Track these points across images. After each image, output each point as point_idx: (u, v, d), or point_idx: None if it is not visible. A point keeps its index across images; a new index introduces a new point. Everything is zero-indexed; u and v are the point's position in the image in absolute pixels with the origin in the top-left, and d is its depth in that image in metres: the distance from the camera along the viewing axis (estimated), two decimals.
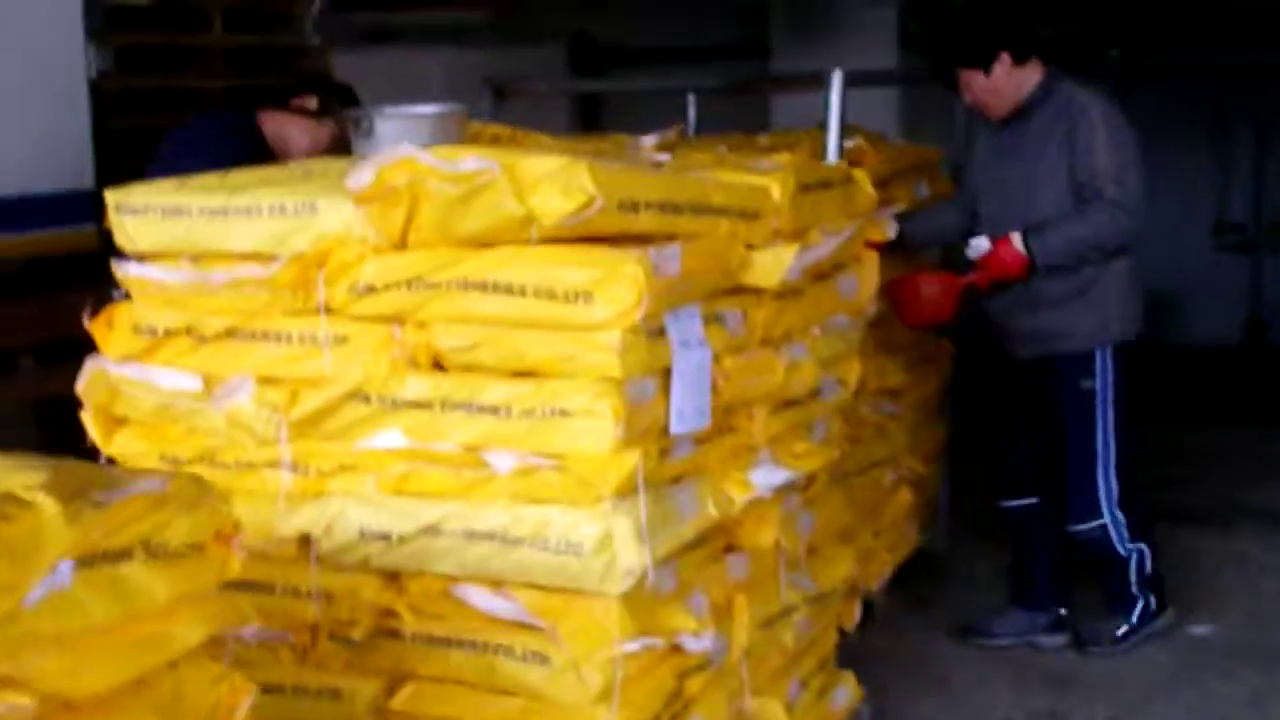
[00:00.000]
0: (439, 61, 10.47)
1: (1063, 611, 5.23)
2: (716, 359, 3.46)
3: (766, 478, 3.65)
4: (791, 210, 3.70)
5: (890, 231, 4.42)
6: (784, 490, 3.89)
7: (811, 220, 3.86)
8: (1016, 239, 4.78)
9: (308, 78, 5.64)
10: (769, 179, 3.68)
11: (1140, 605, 5.16)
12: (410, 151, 3.18)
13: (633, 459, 3.18)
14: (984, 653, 5.22)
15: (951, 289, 4.93)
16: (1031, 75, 4.87)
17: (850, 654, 4.97)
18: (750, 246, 3.56)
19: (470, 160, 3.11)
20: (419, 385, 3.26)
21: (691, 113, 6.27)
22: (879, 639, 5.23)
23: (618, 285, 3.09)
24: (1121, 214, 4.69)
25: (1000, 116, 4.94)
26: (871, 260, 4.32)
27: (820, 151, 4.92)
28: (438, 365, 3.30)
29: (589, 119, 12.55)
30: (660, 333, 3.25)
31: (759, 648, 3.85)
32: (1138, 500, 4.99)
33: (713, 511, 3.49)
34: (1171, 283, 12.17)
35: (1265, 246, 12.12)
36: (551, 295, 3.13)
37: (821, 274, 4.02)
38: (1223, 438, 8.29)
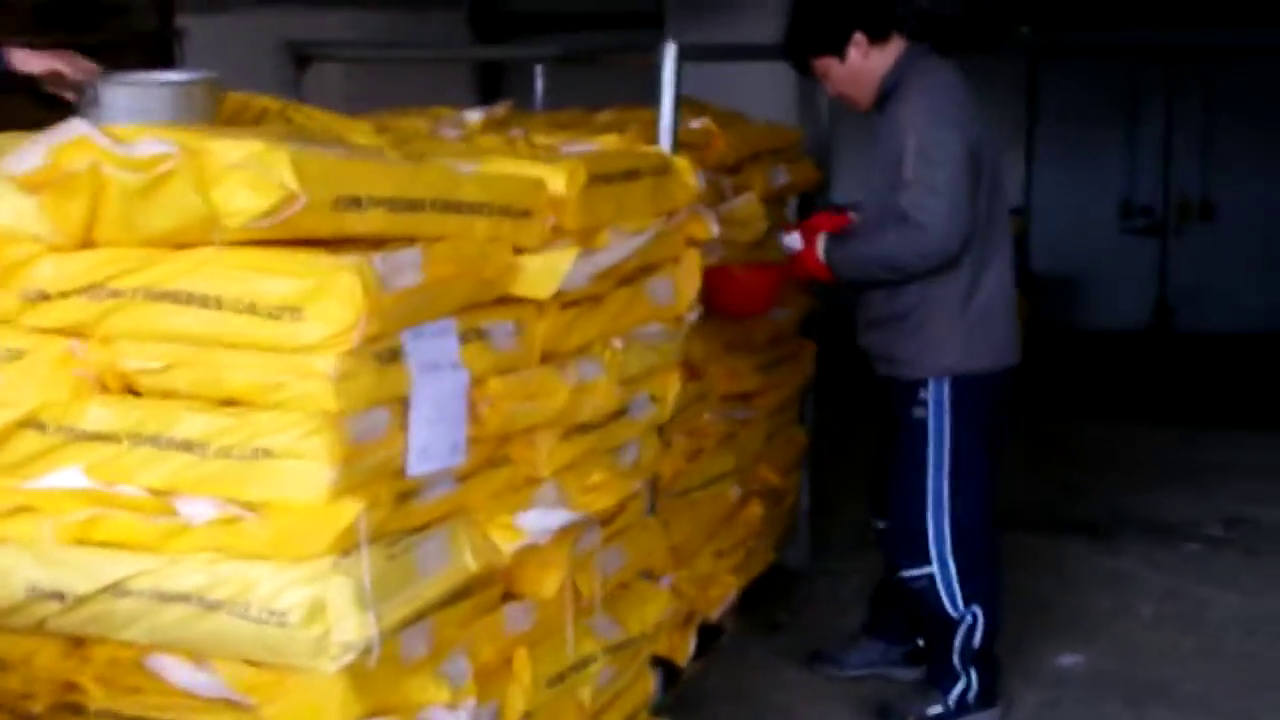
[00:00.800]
0: (330, 25, 9.85)
1: (921, 643, 4.64)
2: (478, 382, 2.88)
3: (541, 521, 3.05)
4: (580, 206, 3.10)
5: (713, 228, 3.79)
6: (576, 527, 3.30)
7: (611, 217, 3.27)
8: (821, 244, 4.19)
9: None
10: (552, 170, 3.08)
11: (960, 686, 4.26)
12: (84, 130, 2.56)
13: (352, 510, 2.58)
14: (834, 685, 4.64)
15: (766, 280, 4.35)
16: (890, 55, 4.19)
17: (683, 690, 4.41)
18: (520, 250, 2.95)
19: (148, 143, 2.50)
20: (103, 414, 2.65)
21: (539, 84, 5.65)
22: (720, 669, 4.66)
23: (331, 299, 2.48)
24: (918, 235, 3.90)
25: (866, 107, 4.28)
26: (692, 260, 3.73)
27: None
28: (133, 390, 2.69)
29: (489, 88, 11.99)
30: (396, 355, 2.64)
31: (547, 708, 3.27)
32: (982, 554, 4.22)
33: (470, 563, 2.90)
34: (1078, 266, 11.73)
35: (1173, 230, 11.67)
36: (253, 310, 2.52)
37: (627, 277, 3.43)
38: (1119, 434, 7.75)
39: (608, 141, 3.96)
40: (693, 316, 3.74)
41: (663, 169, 3.56)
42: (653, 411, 3.65)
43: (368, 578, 2.59)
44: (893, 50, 4.16)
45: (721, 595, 4.66)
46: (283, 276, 2.51)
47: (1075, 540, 5.97)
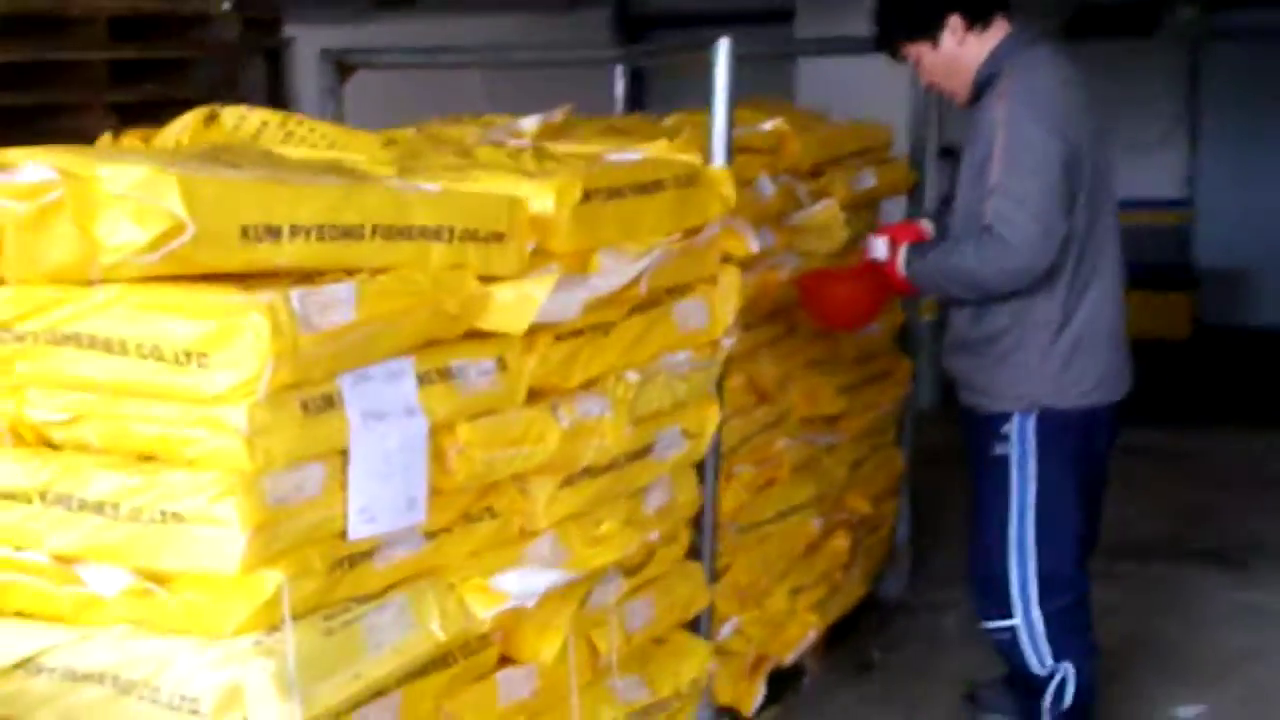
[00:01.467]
0: (466, 31, 9.60)
1: None
2: (445, 428, 2.52)
3: (525, 582, 2.68)
4: (572, 226, 2.73)
5: (751, 243, 3.37)
6: (588, 580, 2.93)
7: (617, 235, 2.89)
8: (902, 255, 3.75)
9: None
10: (539, 186, 2.71)
11: None
12: None
13: (273, 581, 2.24)
14: None
15: (873, 290, 3.90)
16: (990, 42, 3.68)
17: None
18: (493, 278, 2.58)
19: (31, 169, 2.17)
20: (10, 469, 2.34)
21: (619, 87, 5.27)
22: (798, 717, 4.24)
23: (236, 343, 2.15)
24: (1001, 250, 3.43)
25: (964, 102, 3.78)
26: (731, 279, 3.32)
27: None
28: (50, 444, 2.38)
29: (636, 89, 11.69)
30: (331, 402, 2.30)
31: None
32: (1072, 607, 3.71)
33: (438, 632, 2.54)
34: (1247, 261, 11.00)
35: None
36: (159, 355, 2.20)
37: (647, 302, 3.04)
38: (1266, 445, 7.09)
39: (657, 149, 3.59)
40: (729, 342, 3.32)
41: (691, 179, 3.17)
42: (686, 448, 3.25)
43: (293, 657, 2.25)
44: (993, 36, 3.68)
45: (798, 636, 4.25)
46: (187, 318, 2.18)
47: (1203, 570, 5.40)
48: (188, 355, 2.17)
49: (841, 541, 4.50)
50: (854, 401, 4.56)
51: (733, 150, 3.75)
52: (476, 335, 2.60)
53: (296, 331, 2.17)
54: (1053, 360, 3.61)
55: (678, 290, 3.16)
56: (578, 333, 2.83)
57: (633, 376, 2.98)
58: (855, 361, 4.60)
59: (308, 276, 2.30)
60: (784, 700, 4.27)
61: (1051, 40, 3.74)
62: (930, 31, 3.69)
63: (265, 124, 3.24)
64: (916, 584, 5.10)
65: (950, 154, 11.13)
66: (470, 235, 2.50)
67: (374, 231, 2.35)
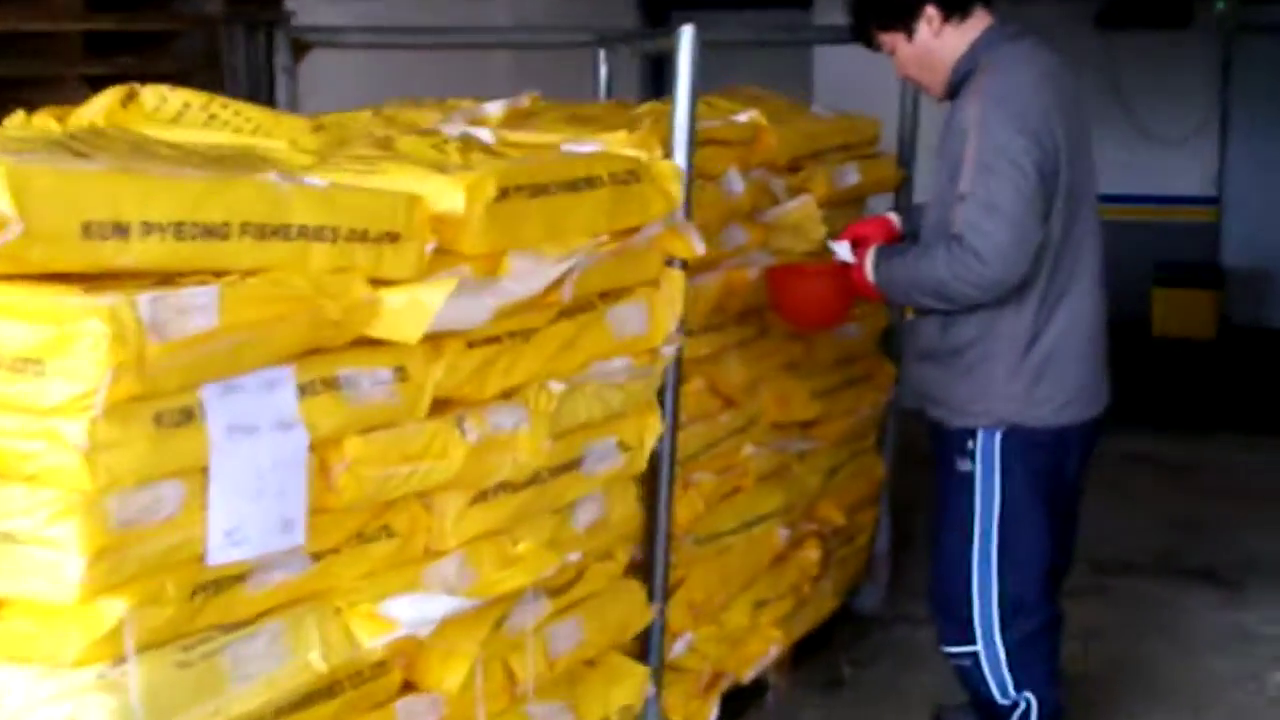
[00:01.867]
0: (497, 10, 9.35)
1: None
2: (331, 443, 2.31)
3: (418, 609, 2.47)
4: (484, 226, 2.51)
5: (697, 245, 3.14)
6: (503, 601, 2.72)
7: (539, 236, 2.66)
8: (870, 258, 3.50)
9: None
10: (448, 183, 2.50)
11: None
12: None
13: (114, 611, 2.04)
14: None
15: (841, 290, 3.65)
16: (968, 35, 3.44)
17: None
18: (389, 282, 2.36)
19: None
20: None
21: (603, 71, 5.04)
22: None
23: (75, 350, 1.94)
24: (971, 262, 3.18)
25: (940, 96, 3.55)
26: (674, 283, 3.10)
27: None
28: None
29: (657, 71, 11.50)
30: (191, 415, 2.09)
31: None
32: (1036, 634, 3.47)
33: (318, 662, 2.33)
34: (1276, 260, 10.69)
35: None
36: None
37: (577, 306, 2.82)
38: (1270, 455, 6.82)
39: (614, 141, 3.38)
40: (670, 349, 3.10)
41: (633, 175, 2.94)
42: (622, 461, 3.03)
43: (137, 692, 2.05)
44: (973, 29, 3.43)
45: (759, 652, 4.03)
46: (24, 321, 1.97)
47: (1194, 589, 5.15)
48: (24, 362, 1.97)
49: (812, 553, 4.28)
50: (830, 406, 4.33)
51: (695, 143, 3.54)
52: (373, 342, 2.39)
53: (144, 339, 1.96)
54: (1021, 376, 3.37)
55: (613, 294, 2.94)
56: (494, 339, 2.62)
57: (556, 386, 2.75)
58: (833, 365, 4.37)
59: (169, 279, 2.09)
60: (745, 717, 4.06)
61: (1035, 34, 3.49)
62: (905, 21, 3.46)
63: (187, 105, 3.04)
64: (894, 596, 4.87)
65: None
66: (358, 235, 2.29)
67: (243, 230, 2.14)
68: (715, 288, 3.80)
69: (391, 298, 2.32)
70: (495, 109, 3.87)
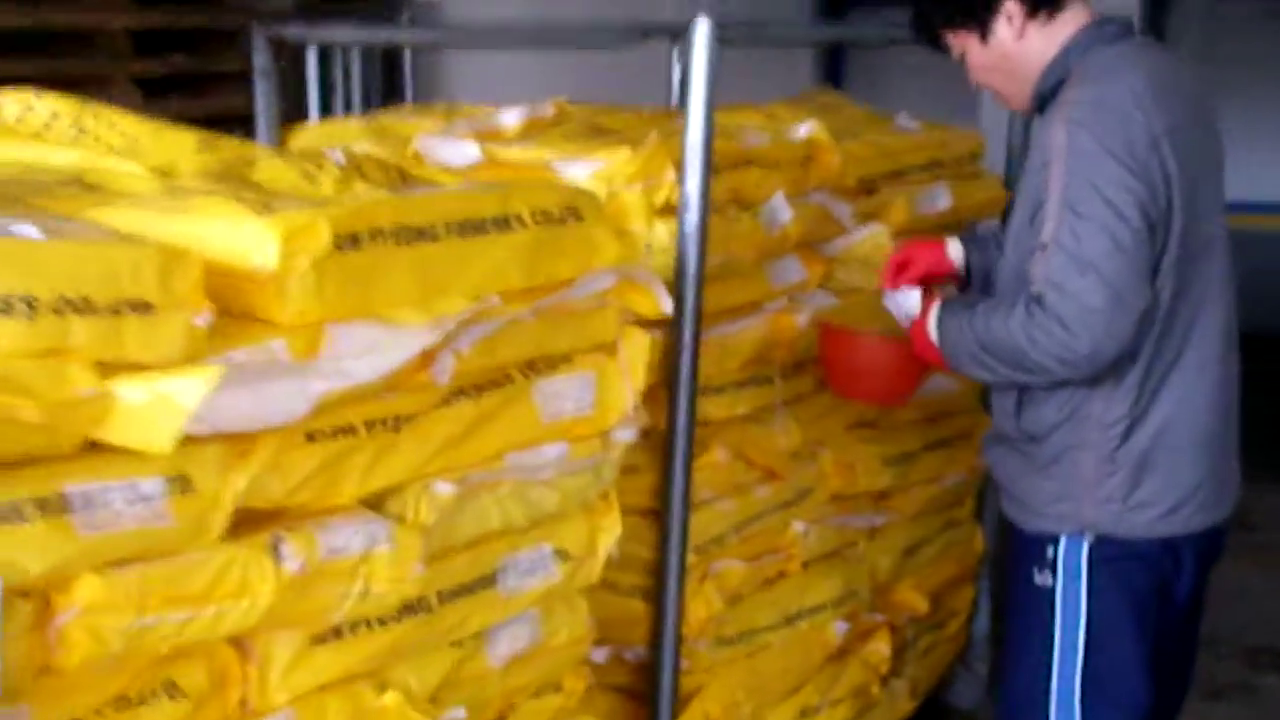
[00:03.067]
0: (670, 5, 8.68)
1: None
2: (57, 585, 1.64)
3: None
4: (312, 286, 1.81)
5: (664, 303, 2.38)
6: None
7: (410, 294, 1.96)
8: (934, 315, 2.70)
9: None
10: (266, 227, 1.80)
11: None
12: None
13: None
14: None
15: (904, 355, 2.85)
16: (1060, 35, 2.60)
17: None
18: (137, 367, 1.68)
19: None
20: None
21: (676, 73, 4.29)
22: None
23: None
24: (1054, 331, 2.38)
25: (1021, 108, 2.74)
26: (638, 347, 2.36)
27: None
28: None
29: (835, 65, 10.75)
30: None
31: None
32: None
33: None
34: None
35: None
36: None
37: (490, 380, 2.11)
38: None
39: (617, 160, 2.70)
40: (627, 434, 2.36)
41: (570, 213, 2.21)
42: (559, 574, 2.31)
43: None
44: (1064, 29, 2.59)
45: None
46: None
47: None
48: None
49: (880, 646, 3.49)
50: (910, 473, 3.54)
51: (718, 163, 2.82)
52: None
53: None
54: (1115, 474, 2.55)
55: (542, 364, 2.21)
56: (346, 430, 1.93)
57: (444, 488, 2.05)
58: (916, 423, 3.57)
59: None
60: None
61: (1144, 36, 2.65)
62: (979, 18, 2.64)
63: (56, 116, 2.43)
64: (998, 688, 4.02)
65: None
66: (80, 306, 1.61)
67: None
68: (754, 336, 3.07)
69: (129, 391, 1.64)
70: (512, 118, 3.20)
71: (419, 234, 1.96)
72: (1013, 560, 2.74)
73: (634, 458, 2.90)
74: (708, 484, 2.99)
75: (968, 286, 2.95)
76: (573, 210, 2.21)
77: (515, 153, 2.91)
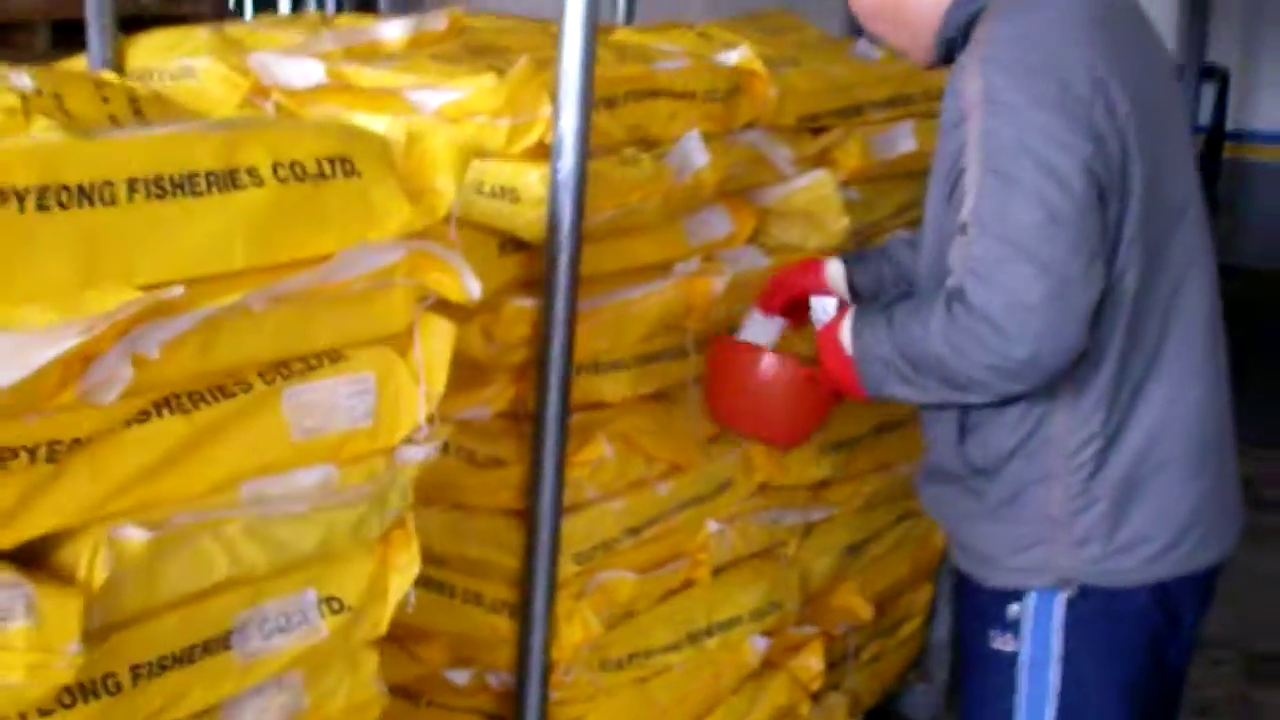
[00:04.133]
0: None
1: None
2: None
3: None
4: None
5: (471, 286, 1.76)
6: None
7: (69, 275, 1.38)
8: (846, 324, 2.06)
9: None
10: None
11: None
12: None
13: None
14: None
15: (814, 386, 2.24)
16: None
17: None
18: None
19: None
20: None
21: None
22: None
23: None
24: (980, 330, 1.79)
25: (923, 62, 2.11)
26: (440, 339, 1.76)
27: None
28: None
29: None
30: None
31: None
32: None
33: None
34: None
35: None
36: None
37: (211, 387, 1.54)
38: None
39: (478, 89, 2.14)
40: (419, 454, 1.77)
41: (340, 166, 1.62)
42: (325, 630, 1.74)
43: None
44: None
45: None
46: None
47: None
48: None
49: (811, 661, 2.92)
50: (854, 461, 2.96)
51: (610, 93, 2.25)
52: None
53: None
54: (1090, 507, 1.97)
55: (298, 365, 1.64)
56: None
57: (133, 534, 1.48)
58: (864, 403, 2.97)
59: None
60: None
61: None
62: None
63: None
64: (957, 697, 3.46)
65: (1213, 74, 8.98)
66: None
67: None
68: (661, 302, 2.49)
69: None
70: (395, 31, 2.62)
71: (85, 195, 1.39)
72: (965, 615, 2.17)
73: (500, 449, 2.36)
74: (593, 480, 2.43)
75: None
76: (341, 162, 1.62)
77: (366, 75, 2.34)
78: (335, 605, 1.74)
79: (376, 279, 1.65)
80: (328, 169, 1.59)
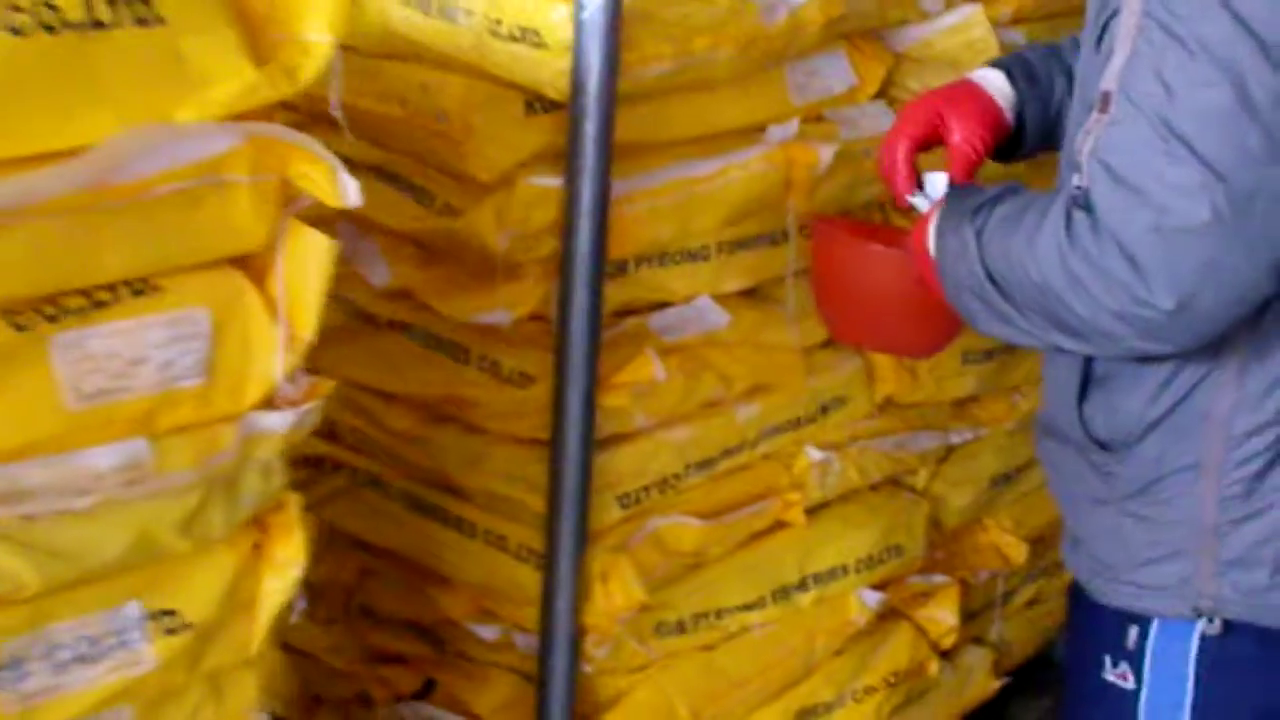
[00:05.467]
0: None
1: None
2: None
3: None
4: None
5: (349, 193, 1.16)
6: None
7: None
8: (934, 218, 1.40)
9: None
10: None
11: None
12: None
13: None
14: None
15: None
16: None
17: None
18: None
19: None
20: None
21: None
22: None
23: None
24: (1105, 255, 1.17)
25: None
26: (316, 257, 1.18)
27: None
28: None
29: None
30: None
31: None
32: None
33: None
34: None
35: None
36: None
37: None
38: None
39: None
40: (279, 421, 1.20)
41: (145, 16, 1.05)
42: (155, 655, 1.21)
43: None
44: None
45: None
46: None
47: None
48: None
49: (941, 613, 2.32)
50: (1007, 371, 2.31)
51: None
52: None
53: None
54: (1258, 518, 1.34)
55: (75, 304, 1.09)
56: None
57: None
58: None
59: None
60: None
61: None
62: None
63: None
64: None
65: None
66: None
67: None
68: (745, 179, 1.88)
69: None
70: None
71: None
72: (1073, 630, 1.56)
73: (528, 361, 1.81)
74: (642, 406, 1.86)
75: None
76: (128, 1, 1.04)
77: None
78: (169, 623, 1.21)
79: (196, 175, 1.08)
80: (104, 12, 1.03)
